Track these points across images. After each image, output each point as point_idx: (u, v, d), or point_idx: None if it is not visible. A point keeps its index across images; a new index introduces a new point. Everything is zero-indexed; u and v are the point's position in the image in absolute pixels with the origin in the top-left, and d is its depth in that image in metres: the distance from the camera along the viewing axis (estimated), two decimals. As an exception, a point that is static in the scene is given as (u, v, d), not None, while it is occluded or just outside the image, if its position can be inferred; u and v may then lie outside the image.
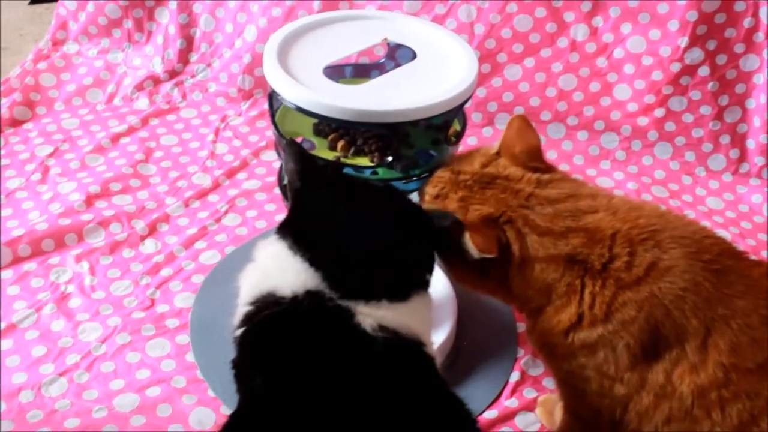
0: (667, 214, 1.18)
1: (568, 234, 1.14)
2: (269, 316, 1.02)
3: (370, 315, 1.01)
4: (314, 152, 1.39)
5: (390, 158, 1.34)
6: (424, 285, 1.11)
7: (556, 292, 1.14)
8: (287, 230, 1.09)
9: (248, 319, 1.04)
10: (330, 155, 1.38)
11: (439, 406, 1.01)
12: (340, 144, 1.38)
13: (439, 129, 1.40)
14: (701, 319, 1.07)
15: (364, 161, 1.37)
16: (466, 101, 1.36)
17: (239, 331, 1.05)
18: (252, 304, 1.04)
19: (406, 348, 1.03)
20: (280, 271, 1.04)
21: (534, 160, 1.23)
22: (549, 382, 1.57)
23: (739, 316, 1.06)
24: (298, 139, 1.42)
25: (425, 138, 1.41)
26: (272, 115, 1.43)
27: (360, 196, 1.14)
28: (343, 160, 1.37)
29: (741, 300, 1.07)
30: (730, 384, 1.05)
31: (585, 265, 1.12)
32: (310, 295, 1.01)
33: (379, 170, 1.36)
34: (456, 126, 1.45)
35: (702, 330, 1.07)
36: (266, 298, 1.03)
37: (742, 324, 1.06)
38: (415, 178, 1.36)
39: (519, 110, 2.24)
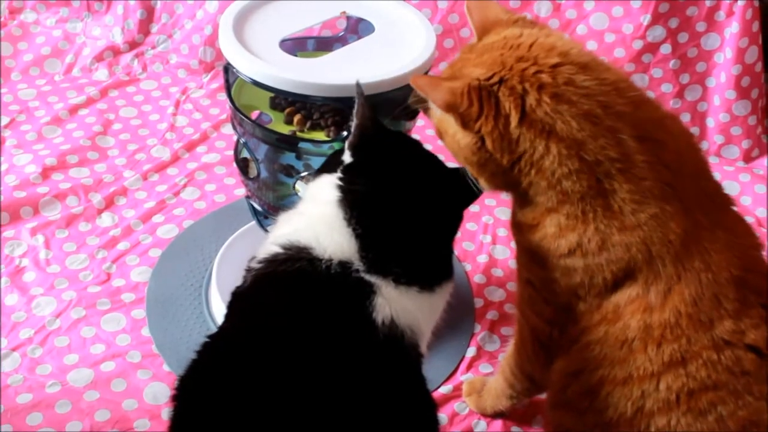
0: (685, 155, 1.12)
1: (600, 127, 1.04)
2: (297, 270, 1.02)
3: (390, 303, 1.02)
4: (270, 126, 1.38)
5: (346, 133, 1.33)
6: (451, 272, 1.12)
7: (571, 208, 1.08)
8: (345, 200, 1.06)
9: (274, 261, 1.04)
10: (286, 129, 1.37)
11: (403, 414, 1.01)
12: (297, 118, 1.38)
13: (395, 104, 1.39)
14: (677, 269, 1.07)
15: (320, 135, 1.36)
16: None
17: (259, 265, 1.05)
18: (284, 247, 1.04)
19: (401, 354, 1.03)
20: (327, 234, 1.04)
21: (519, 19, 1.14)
22: (505, 358, 1.58)
23: (711, 270, 1.07)
24: (254, 114, 1.41)
25: (382, 112, 1.40)
26: (228, 89, 1.41)
27: (412, 164, 1.13)
28: (299, 134, 1.36)
29: (718, 255, 1.08)
30: (676, 328, 1.07)
31: (607, 200, 1.06)
32: (341, 264, 1.02)
33: (336, 144, 1.35)
34: (414, 101, 1.44)
35: (674, 278, 1.07)
36: (301, 250, 1.03)
37: (711, 279, 1.07)
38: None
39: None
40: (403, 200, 1.07)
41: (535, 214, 1.12)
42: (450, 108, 1.06)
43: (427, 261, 1.08)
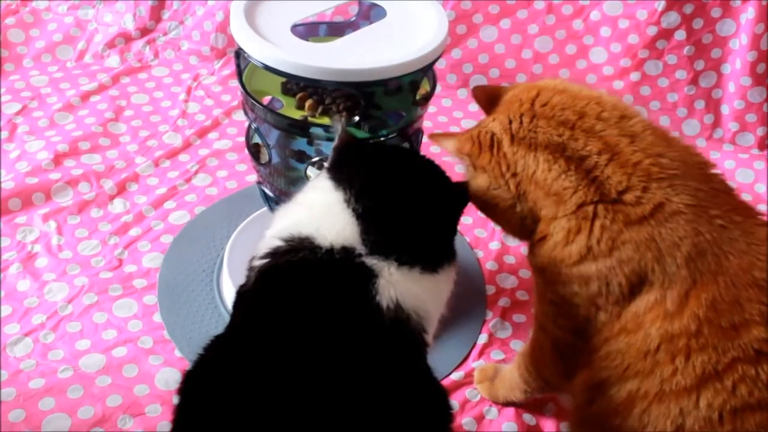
0: (691, 161, 1.14)
1: (578, 130, 1.12)
2: (300, 261, 1.02)
3: (394, 285, 1.01)
4: (282, 111, 1.37)
5: (357, 118, 1.32)
6: (454, 254, 1.12)
7: (565, 207, 1.12)
8: (345, 182, 1.07)
9: (276, 254, 1.04)
10: (297, 114, 1.37)
11: (415, 401, 1.00)
12: (308, 103, 1.37)
13: (407, 89, 1.39)
14: (691, 271, 1.06)
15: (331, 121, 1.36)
16: (434, 62, 1.34)
17: (262, 261, 1.05)
18: (285, 240, 1.04)
19: (408, 339, 1.02)
20: (328, 220, 1.04)
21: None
22: (516, 345, 1.58)
23: (729, 273, 1.06)
24: (266, 99, 1.40)
25: (394, 98, 1.40)
26: (239, 74, 1.41)
27: (398, 158, 1.18)
28: (310, 119, 1.35)
29: (737, 259, 1.06)
30: (700, 336, 1.04)
31: (602, 189, 1.10)
32: (344, 250, 1.02)
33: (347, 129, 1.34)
34: (426, 87, 1.44)
35: (689, 281, 1.06)
36: (303, 241, 1.03)
37: (730, 282, 1.05)
38: (383, 139, 1.35)
39: (494, 72, 2.23)
40: (396, 183, 1.10)
41: (542, 228, 1.16)
42: (459, 152, 1.21)
43: (427, 240, 1.08)
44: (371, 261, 1.02)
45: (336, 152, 1.14)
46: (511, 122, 1.17)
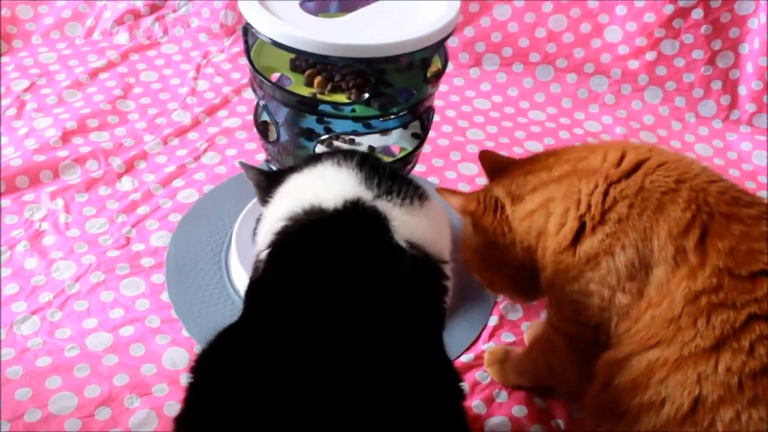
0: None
1: (555, 166, 1.20)
2: (313, 224, 1.02)
3: (405, 224, 1.01)
4: (291, 88, 1.35)
5: (367, 95, 1.30)
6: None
7: (554, 203, 1.16)
8: (322, 157, 1.11)
9: (285, 231, 1.03)
10: (306, 91, 1.35)
11: (428, 378, 0.98)
12: (317, 80, 1.35)
13: (418, 66, 1.36)
14: (694, 213, 1.05)
15: (341, 98, 1.34)
16: (445, 38, 1.31)
17: (270, 248, 1.04)
18: (289, 218, 1.04)
19: (430, 278, 1.03)
20: (326, 183, 1.06)
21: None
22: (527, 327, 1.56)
23: (742, 223, 1.04)
24: (274, 76, 1.38)
25: (405, 75, 1.37)
26: (247, 50, 1.38)
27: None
28: (319, 96, 1.33)
29: (746, 209, 1.05)
30: (720, 290, 1.02)
31: (579, 169, 1.15)
32: (351, 203, 1.02)
33: (357, 107, 1.32)
34: (437, 64, 1.41)
35: (698, 225, 1.05)
36: (309, 211, 1.03)
37: (744, 231, 1.03)
38: (393, 116, 1.33)
39: (507, 51, 2.20)
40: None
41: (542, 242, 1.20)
42: (463, 210, 1.27)
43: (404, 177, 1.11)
44: (380, 204, 1.03)
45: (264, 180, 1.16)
46: (511, 185, 1.24)
